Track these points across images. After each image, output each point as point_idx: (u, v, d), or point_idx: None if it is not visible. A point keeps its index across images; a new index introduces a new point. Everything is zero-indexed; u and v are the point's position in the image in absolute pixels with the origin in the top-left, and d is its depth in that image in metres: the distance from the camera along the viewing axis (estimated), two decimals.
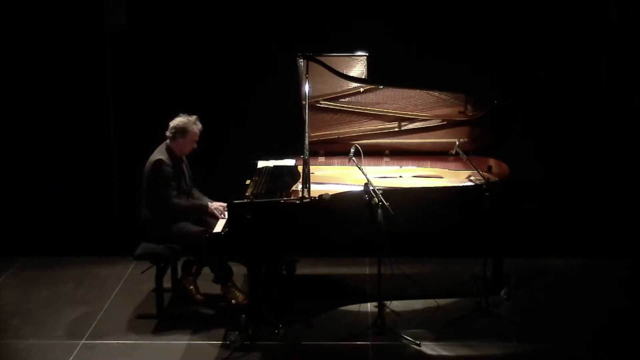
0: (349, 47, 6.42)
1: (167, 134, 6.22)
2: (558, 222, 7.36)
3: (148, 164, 6.18)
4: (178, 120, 6.21)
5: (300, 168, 6.15)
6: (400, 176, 6.78)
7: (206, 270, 6.45)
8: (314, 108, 6.60)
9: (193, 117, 6.23)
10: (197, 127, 6.23)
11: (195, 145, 6.29)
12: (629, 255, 7.27)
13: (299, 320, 6.15)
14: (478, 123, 6.72)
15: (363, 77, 6.48)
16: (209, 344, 5.87)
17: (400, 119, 6.81)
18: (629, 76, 7.16)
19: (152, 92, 7.26)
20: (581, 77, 7.14)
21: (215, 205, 6.26)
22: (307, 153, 5.94)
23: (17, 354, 5.79)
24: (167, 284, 6.45)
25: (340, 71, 6.38)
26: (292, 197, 6.03)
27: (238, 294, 6.34)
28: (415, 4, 7.08)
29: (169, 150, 6.22)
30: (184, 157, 6.35)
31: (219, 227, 6.07)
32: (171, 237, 6.14)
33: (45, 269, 7.25)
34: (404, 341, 5.84)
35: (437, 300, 6.42)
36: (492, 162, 6.67)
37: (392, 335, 5.90)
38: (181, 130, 6.18)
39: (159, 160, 6.12)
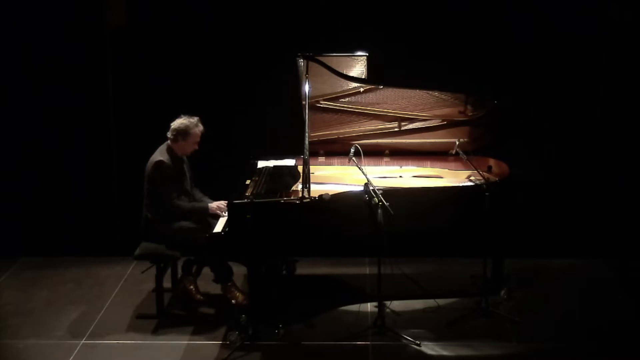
0: (349, 47, 6.42)
1: (169, 135, 6.20)
2: (558, 222, 7.36)
3: (149, 165, 6.17)
4: (179, 122, 6.19)
5: (300, 168, 6.15)
6: (400, 176, 6.78)
7: (206, 270, 6.45)
8: (314, 108, 6.60)
9: (195, 119, 6.22)
10: (199, 128, 6.22)
11: (196, 147, 6.28)
12: (629, 255, 7.27)
13: (299, 320, 6.15)
14: (478, 123, 6.72)
15: (363, 77, 6.48)
16: (209, 344, 5.87)
17: (400, 119, 6.81)
18: (629, 76, 7.16)
19: (152, 92, 7.26)
20: (581, 77, 7.13)
21: (216, 205, 6.26)
22: (307, 153, 5.94)
23: (17, 354, 5.80)
24: (167, 284, 6.46)
25: (340, 71, 6.38)
26: (292, 197, 6.03)
27: (238, 294, 6.34)
28: (415, 4, 7.08)
29: (169, 150, 6.22)
30: (185, 158, 6.35)
31: (219, 227, 6.07)
32: (172, 237, 6.13)
33: (45, 269, 7.25)
34: (404, 341, 5.84)
35: (437, 300, 6.41)
36: (492, 162, 6.67)
37: (392, 335, 5.90)
38: (182, 132, 6.17)
39: (160, 162, 6.12)
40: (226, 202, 6.18)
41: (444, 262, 7.20)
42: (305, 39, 6.83)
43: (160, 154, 6.18)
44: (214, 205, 6.25)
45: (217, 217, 6.22)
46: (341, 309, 6.38)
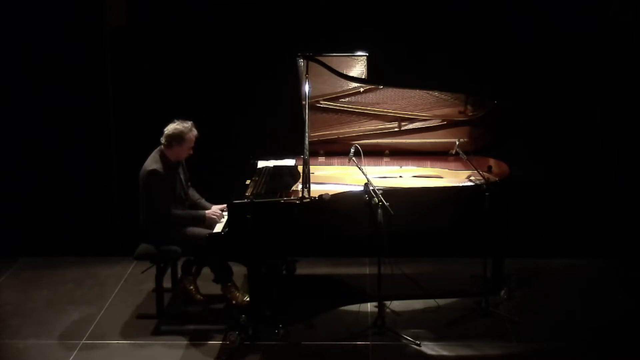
0: (349, 47, 6.42)
1: (162, 140, 6.11)
2: (558, 222, 7.36)
3: (142, 173, 6.10)
4: (173, 127, 6.10)
5: (300, 168, 6.15)
6: (400, 176, 6.78)
7: (206, 270, 6.45)
8: (314, 108, 6.60)
9: (188, 124, 6.14)
10: (193, 133, 6.14)
11: (191, 152, 6.21)
12: (629, 255, 7.27)
13: (299, 320, 6.15)
14: (478, 123, 6.72)
15: (363, 77, 6.48)
16: (209, 344, 5.87)
17: (400, 119, 6.81)
18: (629, 76, 7.16)
19: (152, 92, 7.26)
20: (581, 77, 7.13)
21: (212, 213, 6.23)
22: (307, 153, 5.94)
23: (17, 354, 5.80)
24: (167, 284, 6.46)
25: (340, 71, 6.38)
26: (292, 197, 6.03)
27: (238, 294, 6.33)
28: (415, 4, 7.08)
29: (162, 156, 6.12)
30: (180, 161, 6.30)
31: (219, 227, 6.08)
32: (171, 238, 6.12)
33: (45, 269, 7.25)
34: (404, 341, 5.84)
35: (437, 300, 6.41)
36: (492, 162, 6.66)
37: (392, 335, 5.90)
38: (177, 138, 6.09)
39: (153, 171, 6.03)
40: (219, 207, 6.20)
41: (444, 262, 7.20)
42: (305, 39, 6.82)
43: (153, 162, 6.09)
44: (208, 212, 6.22)
45: (215, 222, 6.21)
46: (341, 309, 6.38)
